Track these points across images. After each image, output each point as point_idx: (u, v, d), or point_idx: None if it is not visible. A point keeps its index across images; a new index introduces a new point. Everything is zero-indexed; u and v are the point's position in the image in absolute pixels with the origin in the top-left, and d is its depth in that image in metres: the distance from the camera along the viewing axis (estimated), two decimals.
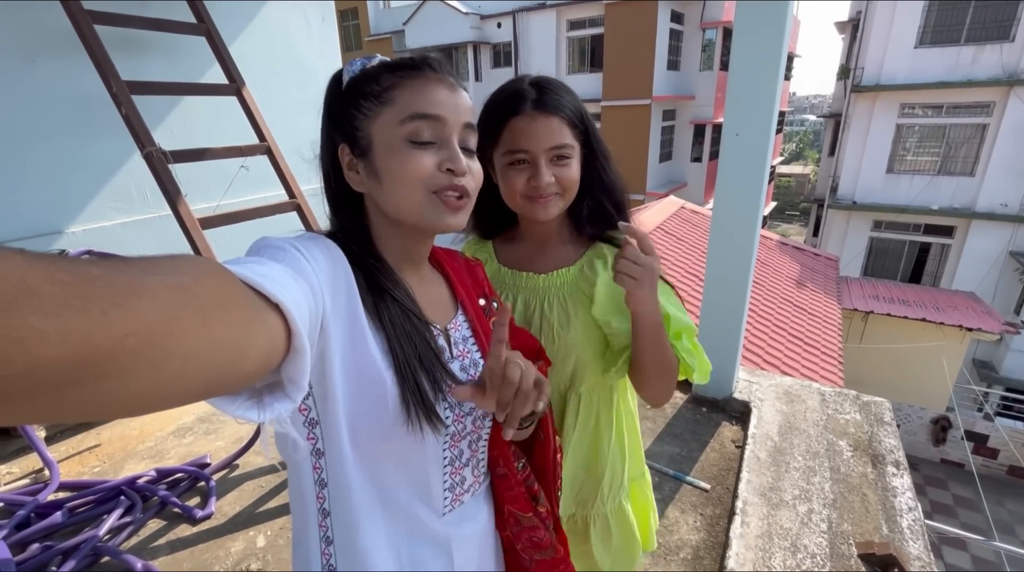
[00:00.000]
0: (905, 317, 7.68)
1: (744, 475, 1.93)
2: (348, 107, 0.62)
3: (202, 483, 1.98)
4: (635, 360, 0.86)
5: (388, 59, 0.63)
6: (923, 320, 7.58)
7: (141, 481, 1.93)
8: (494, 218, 0.97)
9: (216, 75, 2.38)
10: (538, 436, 0.77)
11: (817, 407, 2.38)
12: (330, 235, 0.64)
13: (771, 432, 2.19)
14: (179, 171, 1.94)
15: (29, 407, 0.26)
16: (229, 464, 2.07)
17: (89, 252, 1.95)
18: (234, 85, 2.31)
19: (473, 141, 0.65)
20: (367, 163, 0.62)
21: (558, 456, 0.81)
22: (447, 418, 0.65)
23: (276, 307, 0.42)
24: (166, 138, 2.05)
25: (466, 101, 0.64)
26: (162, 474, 1.98)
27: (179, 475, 2.00)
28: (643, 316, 0.80)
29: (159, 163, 1.88)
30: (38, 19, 2.05)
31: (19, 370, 0.24)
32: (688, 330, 0.88)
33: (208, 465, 2.05)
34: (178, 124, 2.54)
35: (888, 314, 7.78)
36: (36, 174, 2.15)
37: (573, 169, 0.84)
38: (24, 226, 2.14)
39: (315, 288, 0.51)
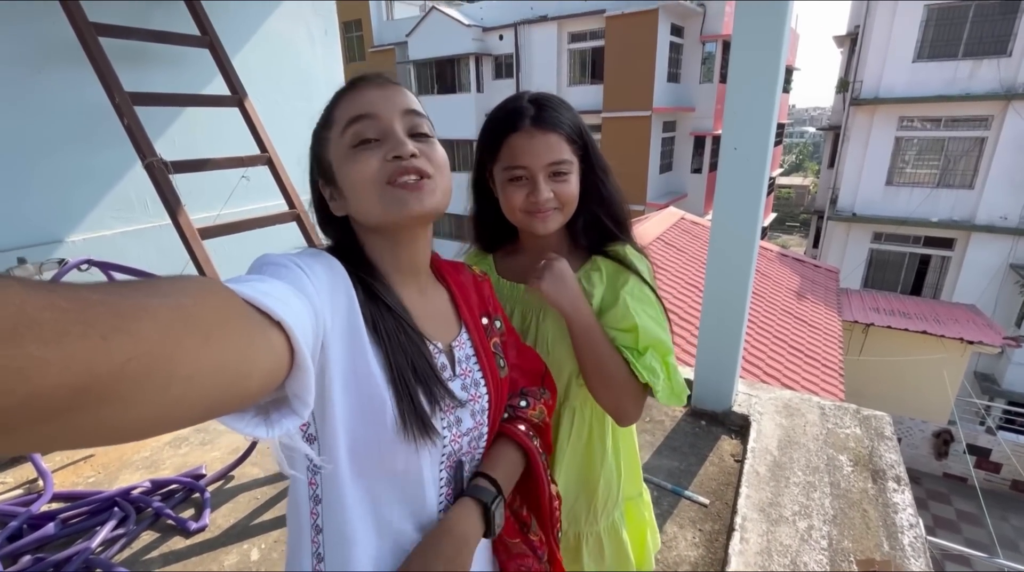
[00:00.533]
0: (906, 329, 7.66)
1: (743, 490, 1.91)
2: (314, 145, 0.67)
3: (197, 495, 1.96)
4: (578, 363, 0.87)
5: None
6: (924, 333, 7.56)
7: (135, 492, 1.92)
8: (495, 231, 0.98)
9: (219, 86, 2.40)
10: (528, 472, 0.75)
11: (817, 421, 2.36)
12: (331, 250, 0.64)
13: (770, 446, 2.18)
14: (180, 181, 1.94)
15: (29, 436, 0.26)
16: (224, 475, 2.06)
17: (88, 261, 1.95)
18: (236, 96, 2.32)
19: (424, 125, 0.64)
20: (336, 187, 0.64)
21: (556, 503, 0.78)
22: (444, 438, 0.64)
23: (278, 325, 0.42)
24: (167, 148, 2.06)
25: (400, 93, 0.64)
26: (157, 485, 1.97)
27: (174, 486, 1.98)
28: (567, 318, 0.83)
29: (160, 173, 1.89)
30: (44, 31, 2.07)
31: (19, 400, 0.23)
32: (658, 345, 0.84)
33: (203, 476, 2.04)
34: (179, 134, 2.55)
35: (888, 326, 7.76)
36: (38, 183, 2.16)
37: (572, 184, 0.85)
38: (25, 235, 2.15)
39: (316, 305, 0.51)
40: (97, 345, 0.26)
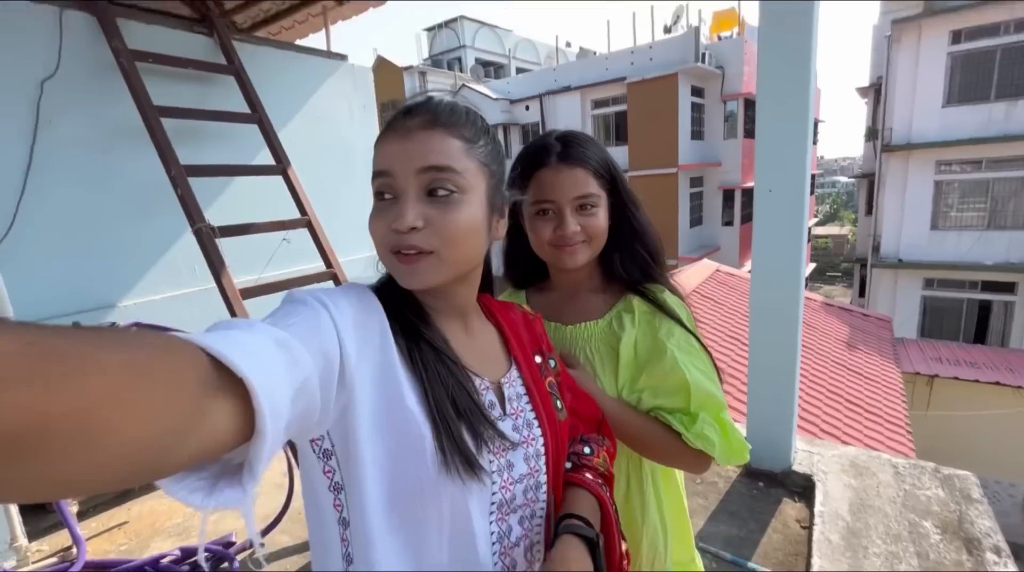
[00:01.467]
0: (976, 381, 7.06)
1: (816, 561, 1.70)
2: None
3: (226, 564, 1.89)
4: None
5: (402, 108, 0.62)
6: (997, 384, 6.94)
7: (165, 561, 1.86)
8: (527, 268, 0.97)
9: (264, 155, 2.56)
10: (600, 525, 0.67)
11: (891, 481, 2.13)
12: (376, 286, 0.63)
13: (841, 510, 1.96)
14: (224, 245, 2.04)
15: None
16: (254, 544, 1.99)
17: (137, 324, 2.02)
18: (280, 166, 2.47)
19: (447, 181, 0.56)
20: None
21: (625, 562, 0.71)
22: (494, 484, 0.58)
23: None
24: (214, 214, 2.18)
25: (423, 144, 0.56)
26: (186, 553, 1.91)
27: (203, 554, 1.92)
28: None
29: (207, 238, 1.99)
30: (114, 115, 2.29)
31: None
32: (710, 403, 0.79)
33: (233, 544, 1.97)
34: (227, 200, 2.72)
35: (956, 377, 7.18)
36: (98, 253, 2.31)
37: (599, 218, 0.84)
38: (83, 300, 2.27)
39: (326, 345, 0.48)
40: (37, 396, 0.26)
